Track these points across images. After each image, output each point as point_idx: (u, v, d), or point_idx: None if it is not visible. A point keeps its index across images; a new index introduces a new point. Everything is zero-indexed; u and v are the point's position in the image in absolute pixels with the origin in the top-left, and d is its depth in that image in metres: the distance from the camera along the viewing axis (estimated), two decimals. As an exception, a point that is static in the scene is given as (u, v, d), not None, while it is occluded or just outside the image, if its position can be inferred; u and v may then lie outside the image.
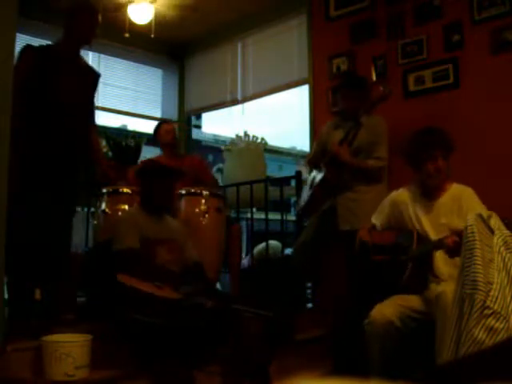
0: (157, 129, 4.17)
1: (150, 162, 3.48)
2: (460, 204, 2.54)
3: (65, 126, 2.85)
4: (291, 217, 6.59)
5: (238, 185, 4.38)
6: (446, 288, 2.28)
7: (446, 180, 2.62)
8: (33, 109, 2.77)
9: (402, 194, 2.73)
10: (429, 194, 2.63)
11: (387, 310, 2.43)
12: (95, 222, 3.49)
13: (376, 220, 2.77)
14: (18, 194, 2.75)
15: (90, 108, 3.09)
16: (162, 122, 4.46)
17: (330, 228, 3.36)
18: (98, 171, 3.12)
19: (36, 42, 4.44)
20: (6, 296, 2.66)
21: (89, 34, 2.94)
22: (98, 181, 3.17)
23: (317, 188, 3.38)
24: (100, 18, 2.97)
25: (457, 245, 2.25)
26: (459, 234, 2.21)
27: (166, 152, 4.14)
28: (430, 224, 2.57)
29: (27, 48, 2.85)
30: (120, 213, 3.31)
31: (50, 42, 3.12)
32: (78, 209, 4.01)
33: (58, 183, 2.86)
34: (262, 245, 4.77)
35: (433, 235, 2.52)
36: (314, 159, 3.55)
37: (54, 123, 2.82)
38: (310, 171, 3.56)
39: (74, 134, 2.92)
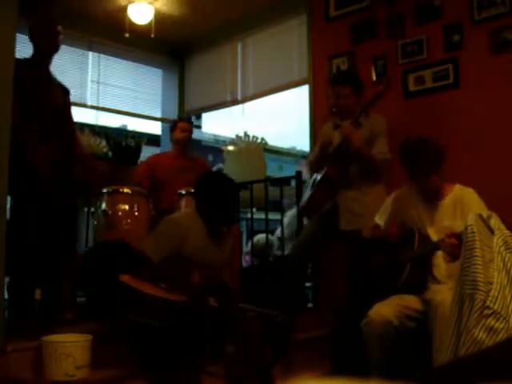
0: (174, 124, 4.25)
1: (221, 173, 3.27)
2: (462, 206, 2.52)
3: (47, 129, 2.88)
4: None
5: (237, 185, 4.37)
6: (445, 298, 2.24)
7: (443, 184, 2.60)
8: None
9: (404, 194, 2.72)
10: (430, 197, 2.62)
11: (385, 309, 2.43)
12: (95, 222, 3.49)
13: (380, 220, 2.77)
14: (18, 196, 2.77)
15: (67, 117, 3.14)
16: (181, 119, 4.53)
17: (330, 228, 3.35)
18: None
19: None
20: (6, 296, 2.66)
21: (50, 43, 2.98)
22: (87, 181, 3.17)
23: (318, 187, 3.35)
24: (60, 28, 3.01)
25: (454, 247, 2.24)
26: (458, 236, 2.20)
27: (176, 149, 4.19)
28: (432, 227, 2.56)
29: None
30: (169, 218, 2.72)
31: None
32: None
33: (55, 183, 2.87)
34: (259, 236, 4.82)
35: (435, 238, 2.51)
36: (315, 163, 3.42)
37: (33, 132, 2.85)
38: (311, 175, 3.47)
39: (58, 138, 2.94)
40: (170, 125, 4.34)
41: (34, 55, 2.99)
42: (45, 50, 3.00)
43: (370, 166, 3.21)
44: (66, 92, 3.17)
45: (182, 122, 4.29)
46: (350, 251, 3.14)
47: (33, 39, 2.97)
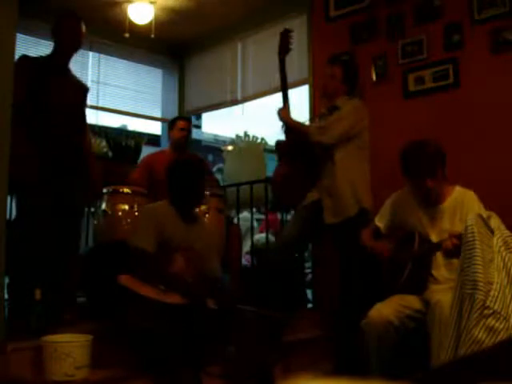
0: (173, 122, 4.21)
1: (184, 159, 3.22)
2: (462, 208, 2.51)
3: (60, 132, 2.88)
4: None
5: (238, 185, 4.38)
6: (444, 297, 2.24)
7: (444, 186, 2.59)
8: (30, 118, 2.82)
9: (404, 196, 2.70)
10: (430, 200, 2.60)
11: (385, 309, 2.43)
12: (95, 222, 3.49)
13: (379, 222, 2.76)
14: (20, 196, 2.77)
15: (81, 115, 3.13)
16: (179, 117, 4.52)
17: (316, 223, 3.16)
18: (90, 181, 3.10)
19: (36, 41, 4.46)
20: (6, 296, 2.66)
21: (75, 41, 2.97)
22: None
23: (281, 160, 3.22)
24: (83, 26, 2.97)
25: (456, 247, 2.24)
26: (458, 236, 2.20)
27: (174, 148, 4.16)
28: (433, 229, 2.56)
29: (23, 59, 2.86)
30: (145, 207, 3.00)
31: (45, 51, 3.16)
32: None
33: (58, 185, 2.87)
34: (259, 236, 4.83)
35: (435, 240, 2.51)
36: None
37: (49, 130, 2.84)
38: None
39: (69, 140, 2.94)
40: (169, 122, 4.31)
41: (54, 52, 2.98)
42: (67, 48, 2.99)
43: (304, 139, 3.05)
44: (84, 90, 3.19)
45: (181, 120, 4.26)
46: (338, 244, 3.09)
47: (56, 36, 2.95)
